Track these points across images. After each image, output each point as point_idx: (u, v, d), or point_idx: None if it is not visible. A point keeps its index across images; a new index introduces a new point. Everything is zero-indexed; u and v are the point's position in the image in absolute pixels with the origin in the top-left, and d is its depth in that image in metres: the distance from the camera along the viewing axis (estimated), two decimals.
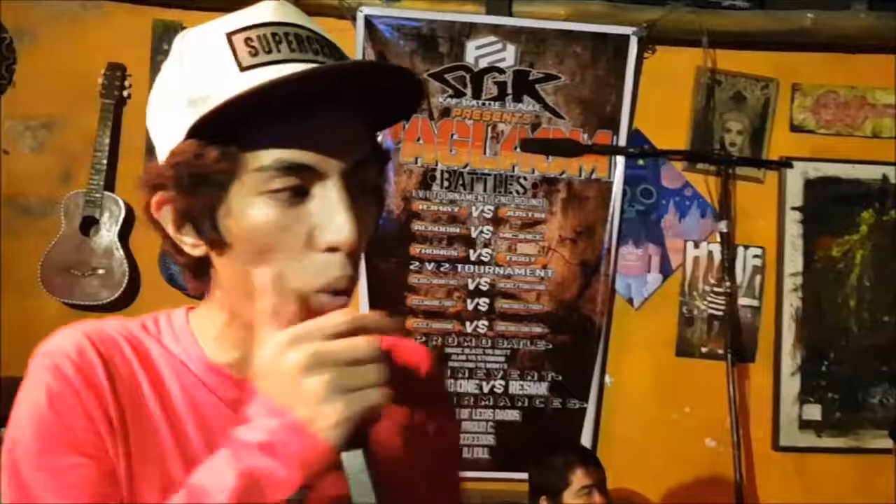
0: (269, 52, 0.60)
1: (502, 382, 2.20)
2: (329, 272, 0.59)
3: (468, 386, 2.19)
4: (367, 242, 0.63)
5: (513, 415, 2.20)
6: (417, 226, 2.19)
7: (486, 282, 2.21)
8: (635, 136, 2.24)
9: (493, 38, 2.20)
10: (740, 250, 2.26)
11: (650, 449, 2.21)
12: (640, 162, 2.25)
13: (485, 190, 2.22)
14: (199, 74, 0.61)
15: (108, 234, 2.15)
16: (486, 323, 2.20)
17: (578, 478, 1.81)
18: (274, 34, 0.61)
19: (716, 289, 2.25)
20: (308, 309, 0.58)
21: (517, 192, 2.22)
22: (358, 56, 2.14)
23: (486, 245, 2.21)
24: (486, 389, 2.20)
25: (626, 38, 2.20)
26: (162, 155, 0.63)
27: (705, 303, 2.26)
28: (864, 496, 2.17)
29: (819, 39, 2.22)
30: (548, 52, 2.21)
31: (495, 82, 2.21)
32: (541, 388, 2.21)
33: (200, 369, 0.67)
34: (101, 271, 2.14)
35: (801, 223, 2.26)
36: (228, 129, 0.59)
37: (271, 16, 0.62)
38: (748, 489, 2.06)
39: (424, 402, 0.75)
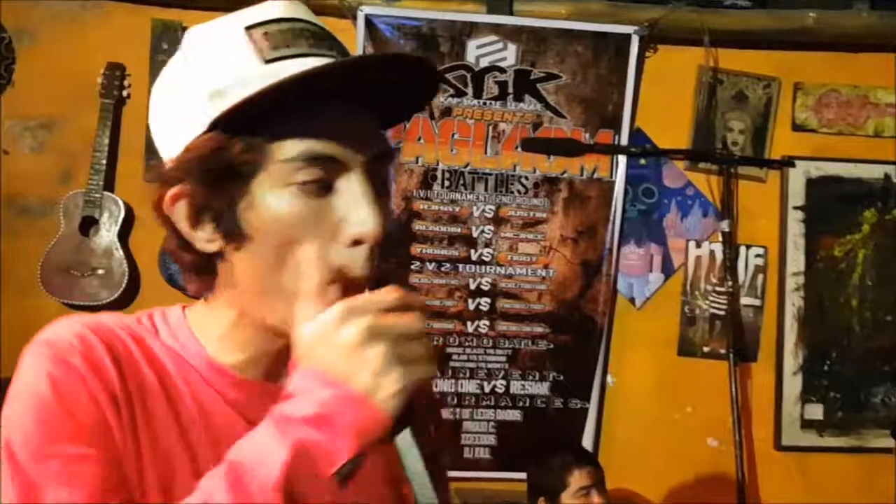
0: (289, 46, 0.60)
1: (503, 382, 2.20)
2: (355, 264, 0.60)
3: (469, 386, 2.18)
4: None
5: (514, 415, 2.20)
6: (418, 225, 2.19)
7: (487, 281, 2.20)
8: (637, 135, 2.24)
9: (493, 38, 2.19)
10: (742, 250, 2.26)
11: (652, 448, 2.21)
12: (642, 161, 2.24)
13: (486, 189, 2.21)
14: (221, 67, 0.60)
15: (107, 234, 2.14)
16: (487, 323, 2.20)
17: (576, 479, 1.80)
18: (291, 29, 0.61)
19: (718, 288, 2.24)
20: (345, 291, 0.58)
21: (518, 191, 2.22)
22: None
23: (487, 245, 2.21)
24: (487, 389, 2.19)
25: (627, 37, 2.20)
26: (174, 149, 0.62)
27: (707, 302, 2.25)
28: (866, 496, 2.17)
29: (821, 38, 2.21)
30: (549, 52, 2.21)
31: (496, 82, 2.20)
32: (542, 388, 2.20)
33: (204, 368, 0.65)
34: (100, 271, 2.13)
35: (804, 222, 2.25)
36: (249, 121, 0.58)
37: (286, 12, 0.62)
38: (750, 489, 2.06)
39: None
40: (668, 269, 2.27)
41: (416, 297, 0.59)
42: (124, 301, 2.15)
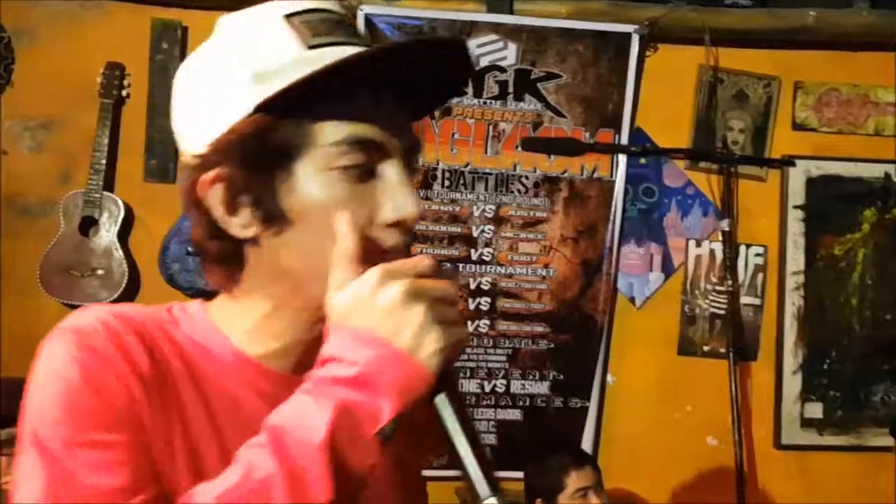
0: (329, 34, 0.61)
1: (504, 382, 2.20)
2: (391, 246, 0.61)
3: (470, 385, 2.18)
4: None
5: (514, 414, 2.20)
6: (418, 225, 2.18)
7: (487, 281, 2.20)
8: (637, 134, 2.24)
9: (494, 37, 2.19)
10: (742, 249, 2.26)
11: (652, 447, 2.21)
12: (642, 161, 2.24)
13: (486, 189, 2.21)
14: (263, 51, 0.60)
15: (107, 234, 2.14)
16: (487, 322, 2.20)
17: (574, 480, 1.79)
18: (329, 19, 0.62)
19: (718, 287, 2.25)
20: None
21: (519, 191, 2.22)
22: None
23: (487, 244, 2.21)
24: (487, 389, 2.19)
25: (627, 36, 2.19)
26: (208, 135, 0.61)
27: (707, 301, 2.26)
28: (865, 494, 2.17)
29: (821, 37, 2.21)
30: (549, 51, 2.20)
31: (496, 81, 2.20)
32: (542, 388, 2.21)
33: (230, 358, 0.64)
34: (100, 272, 2.13)
35: (803, 221, 2.25)
36: (292, 104, 0.58)
37: (320, 4, 0.64)
38: (750, 487, 2.06)
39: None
40: (668, 269, 2.27)
41: (449, 267, 0.61)
42: (124, 301, 2.15)
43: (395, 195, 0.60)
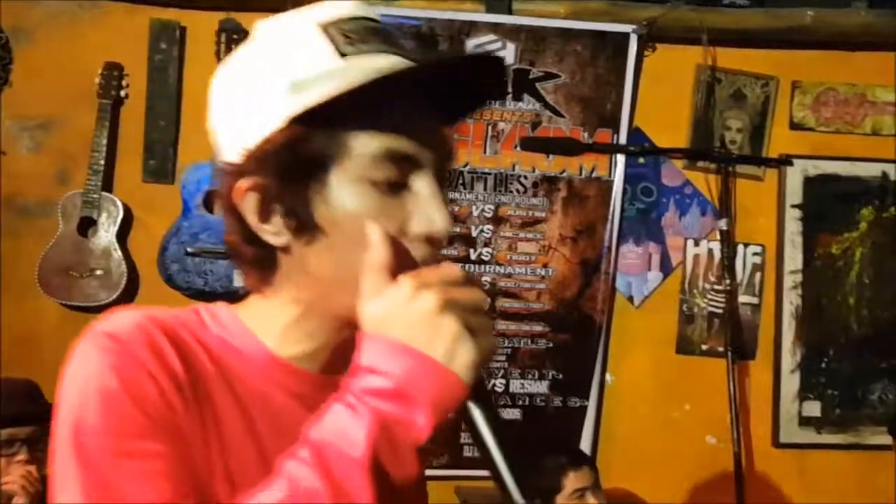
0: (364, 42, 0.61)
1: (503, 381, 2.20)
2: (420, 258, 0.61)
3: None
4: None
5: (513, 413, 2.20)
6: None
7: (486, 281, 2.21)
8: (635, 134, 2.24)
9: (492, 37, 2.19)
10: (740, 248, 2.27)
11: (651, 446, 2.21)
12: (641, 160, 2.24)
13: (485, 189, 2.21)
14: (298, 60, 0.60)
15: (106, 234, 2.14)
16: None
17: (571, 481, 1.78)
18: (364, 27, 0.62)
19: (716, 286, 2.25)
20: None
21: (517, 190, 2.22)
22: None
23: (486, 244, 2.21)
24: None
25: (625, 36, 2.20)
26: (245, 142, 0.62)
27: (705, 300, 2.26)
28: (864, 493, 2.18)
29: (819, 37, 2.22)
30: (548, 51, 2.21)
31: None
32: (541, 387, 2.21)
33: (262, 359, 0.65)
34: (98, 272, 2.12)
35: (801, 221, 2.26)
36: (326, 114, 0.58)
37: (355, 10, 0.63)
38: (748, 486, 2.06)
39: None
40: (666, 268, 2.27)
41: (475, 275, 0.61)
42: (123, 302, 2.15)
43: (425, 208, 0.60)
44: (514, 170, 2.21)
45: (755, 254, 2.28)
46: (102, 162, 2.12)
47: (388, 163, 0.59)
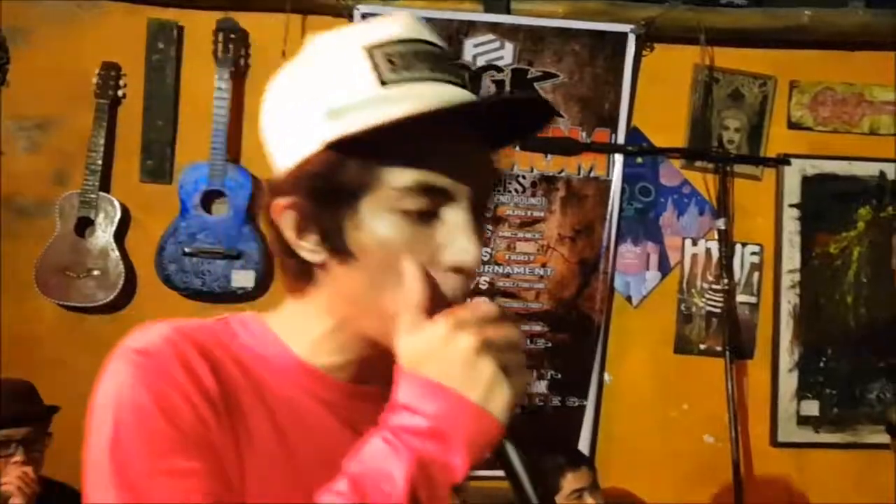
0: (409, 68, 0.61)
1: None
2: (451, 290, 0.61)
3: None
4: None
5: None
6: None
7: (485, 281, 2.20)
8: (633, 134, 2.24)
9: (491, 37, 2.19)
10: (738, 247, 2.27)
11: (649, 446, 2.21)
12: (639, 160, 2.24)
13: None
14: (339, 85, 0.61)
15: (103, 234, 2.13)
16: None
17: (569, 482, 1.78)
18: (413, 51, 0.61)
19: (714, 286, 2.25)
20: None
21: (516, 190, 2.22)
22: None
23: (484, 244, 2.21)
24: None
25: (624, 35, 2.20)
26: (286, 160, 0.63)
27: (703, 300, 2.26)
28: (862, 492, 2.18)
29: (817, 37, 2.22)
30: (546, 51, 2.21)
31: (493, 81, 2.20)
32: (540, 387, 2.21)
33: (293, 369, 0.65)
34: (96, 272, 2.12)
35: (799, 220, 2.26)
36: (362, 142, 0.59)
37: (406, 31, 0.63)
38: (747, 485, 2.06)
39: None
40: (664, 268, 2.27)
41: (509, 311, 0.62)
42: (121, 302, 2.15)
43: (456, 240, 0.60)
44: (512, 169, 2.21)
45: (753, 253, 2.28)
46: (100, 162, 2.12)
47: (420, 195, 0.60)
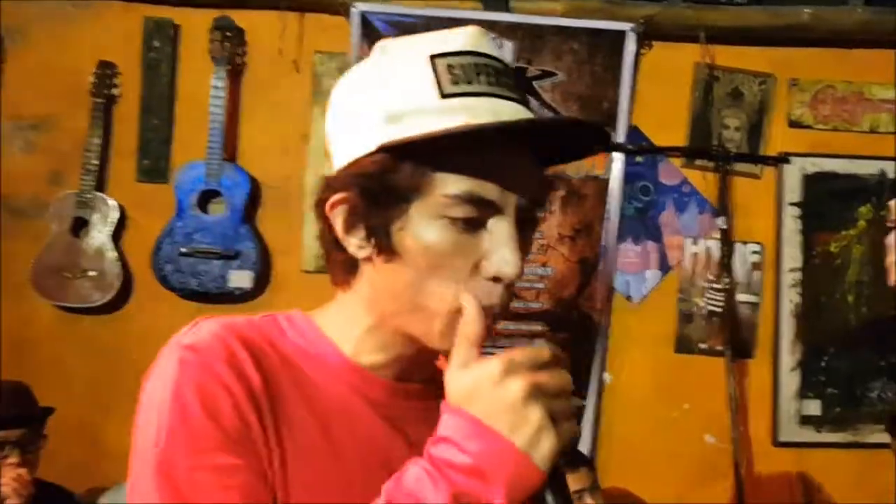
0: (469, 82, 0.62)
1: None
2: (491, 298, 0.62)
3: None
4: None
5: None
6: None
7: None
8: (633, 132, 2.23)
9: (490, 35, 2.18)
10: (739, 246, 2.26)
11: (650, 446, 2.20)
12: (638, 159, 2.24)
13: None
14: (400, 91, 0.63)
15: (99, 235, 2.12)
16: None
17: (568, 482, 1.77)
18: (475, 64, 0.63)
19: (714, 285, 2.24)
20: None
21: None
22: (354, 53, 2.11)
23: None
24: None
25: (623, 34, 2.19)
26: (343, 157, 0.65)
27: (704, 299, 2.25)
28: (863, 491, 2.17)
29: (816, 35, 2.21)
30: (545, 49, 2.20)
31: None
32: None
33: (338, 366, 0.67)
34: (92, 273, 2.11)
35: (800, 219, 2.26)
36: (419, 148, 0.60)
37: (471, 44, 0.64)
38: (748, 485, 2.06)
39: None
40: (664, 267, 2.26)
41: (563, 353, 0.61)
42: (117, 303, 2.13)
43: (498, 251, 0.61)
44: None
45: (754, 252, 2.27)
46: (96, 162, 2.10)
47: (468, 204, 0.61)
